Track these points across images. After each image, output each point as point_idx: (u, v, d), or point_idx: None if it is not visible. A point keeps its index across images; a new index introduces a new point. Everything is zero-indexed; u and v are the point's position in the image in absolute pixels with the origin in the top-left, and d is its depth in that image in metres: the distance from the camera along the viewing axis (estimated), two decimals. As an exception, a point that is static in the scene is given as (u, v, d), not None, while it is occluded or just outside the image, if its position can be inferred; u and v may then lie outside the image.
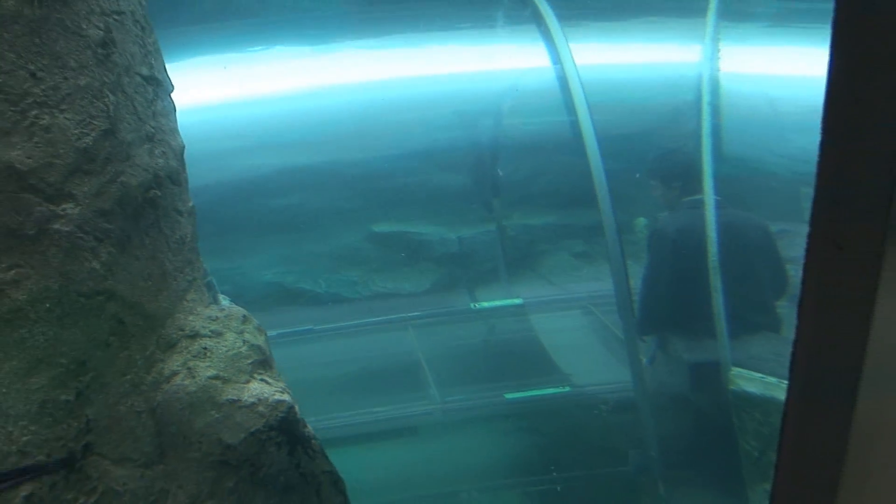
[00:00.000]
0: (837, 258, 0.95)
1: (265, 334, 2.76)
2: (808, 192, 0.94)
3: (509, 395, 5.61)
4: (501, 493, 4.99)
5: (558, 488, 4.89)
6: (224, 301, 3.01)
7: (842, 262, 0.95)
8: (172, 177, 2.60)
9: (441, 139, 6.87)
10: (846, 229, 0.93)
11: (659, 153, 5.39)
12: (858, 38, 0.82)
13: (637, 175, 5.31)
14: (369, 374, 5.94)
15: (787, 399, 1.08)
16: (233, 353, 2.55)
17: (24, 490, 2.11)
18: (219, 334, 2.58)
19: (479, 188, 7.21)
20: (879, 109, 0.84)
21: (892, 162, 0.86)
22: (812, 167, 0.92)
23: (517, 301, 6.53)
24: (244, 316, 2.72)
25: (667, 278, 4.87)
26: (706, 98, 5.01)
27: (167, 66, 2.75)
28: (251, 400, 2.49)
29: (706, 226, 4.61)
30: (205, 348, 2.52)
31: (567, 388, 5.46)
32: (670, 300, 4.91)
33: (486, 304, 6.47)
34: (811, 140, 0.92)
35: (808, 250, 0.97)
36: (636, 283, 5.07)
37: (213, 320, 2.61)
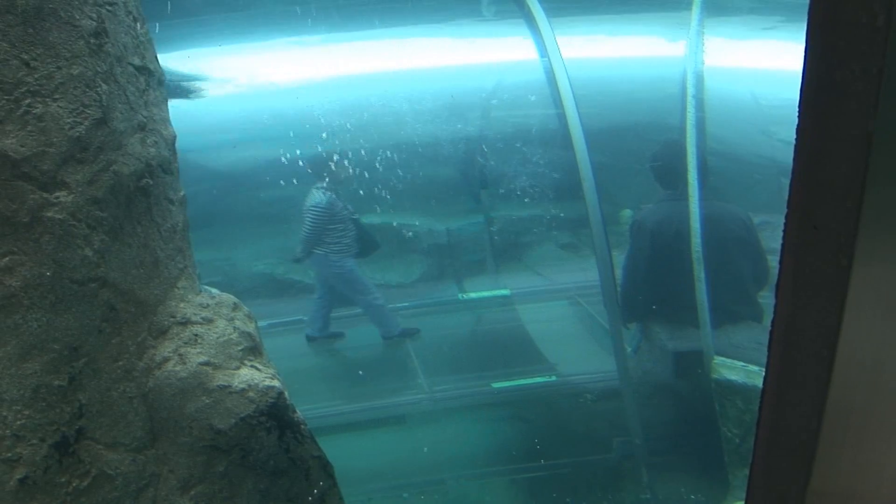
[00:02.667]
0: (813, 238, 0.97)
1: (255, 321, 2.79)
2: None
3: (496, 384, 5.66)
4: (488, 480, 5.03)
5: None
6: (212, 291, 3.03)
7: (818, 242, 0.97)
8: (164, 166, 2.61)
9: (429, 132, 6.89)
10: (822, 210, 0.95)
11: (654, 150, 5.41)
12: (832, 23, 0.85)
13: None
14: (358, 363, 5.97)
15: (765, 376, 1.10)
16: (223, 340, 2.58)
17: (19, 473, 2.13)
18: (209, 321, 2.60)
19: (466, 180, 7.24)
20: (853, 93, 0.87)
21: (866, 144, 0.88)
22: (794, 160, 0.94)
23: (504, 292, 6.57)
24: (234, 303, 2.74)
25: (644, 267, 4.93)
26: (690, 91, 5.05)
27: (159, 57, 2.76)
28: (241, 386, 2.51)
29: (687, 217, 4.65)
30: (196, 335, 2.54)
31: (553, 377, 5.51)
32: (649, 289, 4.96)
33: (473, 295, 6.51)
34: (793, 133, 0.94)
35: (786, 231, 0.99)
36: (621, 273, 5.13)
37: (204, 307, 2.63)
